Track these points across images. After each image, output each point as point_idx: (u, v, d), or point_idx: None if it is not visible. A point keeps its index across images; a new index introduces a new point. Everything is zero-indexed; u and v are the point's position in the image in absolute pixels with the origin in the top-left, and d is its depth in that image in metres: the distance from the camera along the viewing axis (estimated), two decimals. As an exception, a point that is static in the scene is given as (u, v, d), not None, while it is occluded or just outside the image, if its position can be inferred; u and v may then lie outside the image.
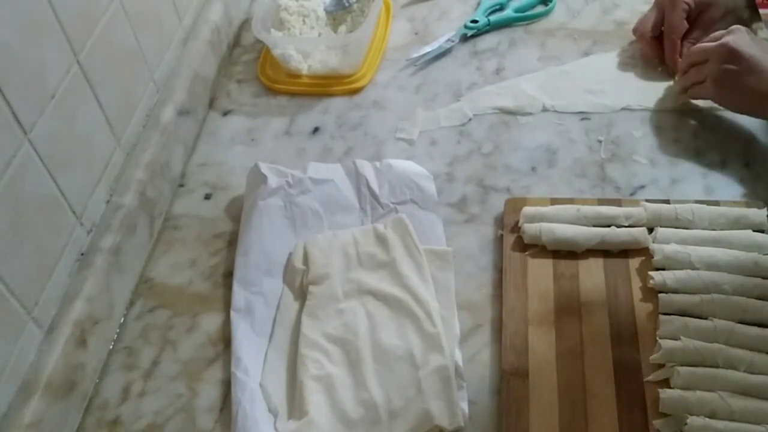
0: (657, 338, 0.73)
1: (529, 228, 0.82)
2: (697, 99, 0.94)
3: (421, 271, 0.80)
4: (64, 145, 0.75)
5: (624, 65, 1.03)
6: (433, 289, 0.78)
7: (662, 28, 0.99)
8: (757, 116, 0.90)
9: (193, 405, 0.75)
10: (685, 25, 0.97)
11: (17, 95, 0.67)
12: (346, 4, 1.09)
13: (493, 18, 1.12)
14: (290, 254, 0.83)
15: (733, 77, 0.86)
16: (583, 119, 0.97)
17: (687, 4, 0.97)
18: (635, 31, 1.03)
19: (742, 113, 0.91)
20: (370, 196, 0.88)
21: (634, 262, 0.80)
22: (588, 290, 0.78)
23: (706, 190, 0.88)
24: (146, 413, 0.74)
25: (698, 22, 0.99)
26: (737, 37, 0.86)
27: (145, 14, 0.91)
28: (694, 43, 0.96)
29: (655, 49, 1.01)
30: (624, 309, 0.76)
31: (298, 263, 0.82)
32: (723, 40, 0.87)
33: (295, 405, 0.71)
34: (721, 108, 0.93)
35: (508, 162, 0.93)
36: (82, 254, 0.79)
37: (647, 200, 0.84)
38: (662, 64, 1.01)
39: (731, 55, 0.85)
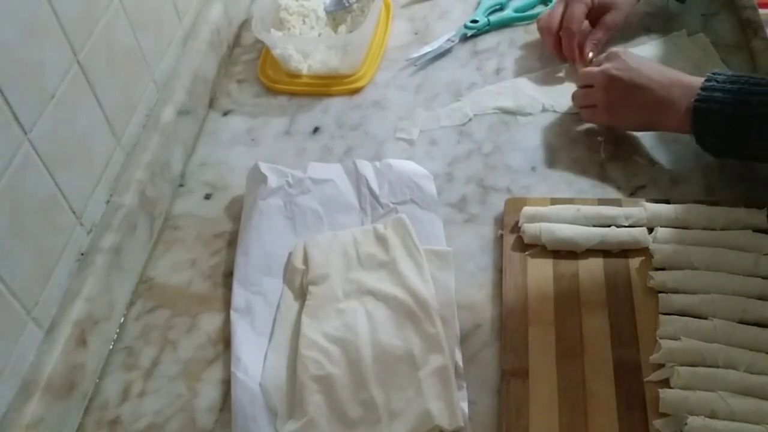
0: (657, 338, 0.73)
1: (529, 228, 0.82)
2: (593, 122, 0.95)
3: (421, 271, 0.80)
4: (64, 145, 0.75)
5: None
6: (433, 289, 0.78)
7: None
8: (654, 130, 0.91)
9: (193, 405, 0.75)
10: (583, 18, 0.99)
11: (17, 95, 0.67)
12: (346, 4, 1.10)
13: (493, 18, 1.12)
14: (290, 254, 0.83)
15: (620, 102, 0.88)
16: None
17: (591, 0, 0.99)
18: (539, 22, 1.04)
19: (639, 131, 0.92)
20: (370, 196, 0.88)
21: (634, 262, 0.80)
22: (588, 290, 0.78)
23: (706, 190, 0.88)
24: (146, 413, 0.74)
25: (601, 23, 1.01)
26: (615, 63, 0.88)
27: (145, 14, 0.91)
28: (596, 44, 0.99)
29: (557, 44, 1.01)
30: (624, 309, 0.76)
31: (298, 263, 0.82)
32: (602, 67, 0.90)
33: (295, 405, 0.71)
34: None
35: (508, 162, 0.93)
36: (82, 254, 0.79)
37: (647, 200, 0.84)
38: (562, 59, 1.02)
39: (612, 81, 0.88)
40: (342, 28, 1.09)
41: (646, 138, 0.93)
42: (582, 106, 0.94)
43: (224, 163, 0.97)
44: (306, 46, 1.06)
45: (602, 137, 0.94)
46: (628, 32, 1.06)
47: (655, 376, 0.71)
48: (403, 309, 0.77)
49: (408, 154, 0.96)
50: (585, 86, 0.93)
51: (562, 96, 0.99)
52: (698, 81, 0.82)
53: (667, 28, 1.07)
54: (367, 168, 0.90)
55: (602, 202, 0.85)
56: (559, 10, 1.01)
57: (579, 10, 0.99)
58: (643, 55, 1.02)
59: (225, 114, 1.04)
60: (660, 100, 0.84)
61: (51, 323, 0.73)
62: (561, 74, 1.03)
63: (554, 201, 0.86)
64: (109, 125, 0.84)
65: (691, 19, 1.08)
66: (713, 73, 0.82)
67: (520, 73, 1.05)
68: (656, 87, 0.85)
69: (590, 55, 0.99)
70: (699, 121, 0.81)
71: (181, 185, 0.95)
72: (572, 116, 0.97)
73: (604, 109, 0.90)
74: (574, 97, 0.96)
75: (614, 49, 0.92)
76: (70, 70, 0.76)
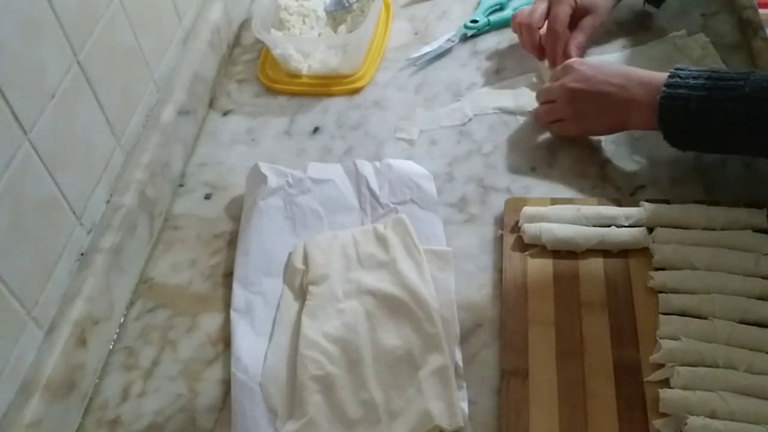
0: (657, 338, 0.73)
1: (529, 228, 0.82)
2: (564, 136, 0.94)
3: (421, 271, 0.80)
4: (64, 145, 0.75)
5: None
6: (433, 289, 0.78)
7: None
8: (624, 130, 0.91)
9: (193, 405, 0.75)
10: (568, 20, 0.99)
11: (17, 95, 0.67)
12: (346, 4, 1.10)
13: (493, 18, 1.12)
14: (290, 254, 0.83)
15: (586, 112, 0.89)
16: (583, 119, 0.97)
17: (575, 1, 0.99)
18: (516, 17, 1.03)
19: (611, 133, 0.92)
20: (370, 196, 0.88)
21: (634, 262, 0.80)
22: (588, 290, 0.78)
23: (706, 190, 0.88)
24: (146, 413, 0.74)
25: (581, 26, 1.01)
26: (572, 75, 0.89)
27: (145, 14, 0.91)
28: (579, 47, 0.99)
29: (537, 42, 1.01)
30: (624, 309, 0.76)
31: (298, 263, 0.82)
32: (561, 82, 0.90)
33: (295, 405, 0.71)
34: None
35: (508, 162, 0.93)
36: (82, 254, 0.79)
37: (647, 200, 0.84)
38: (539, 58, 1.02)
39: (574, 94, 0.89)
40: (342, 28, 1.09)
41: (646, 138, 0.93)
42: (549, 122, 0.94)
43: (224, 163, 0.97)
44: (306, 46, 1.06)
45: (602, 137, 0.94)
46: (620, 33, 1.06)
47: (655, 376, 0.71)
48: (403, 309, 0.77)
49: (408, 154, 0.96)
50: (546, 102, 0.93)
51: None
52: (661, 77, 0.82)
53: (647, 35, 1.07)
54: (367, 168, 0.90)
55: (602, 202, 0.85)
56: (542, 8, 1.00)
57: (564, 11, 0.98)
58: (643, 56, 1.03)
59: (225, 114, 1.04)
60: (624, 102, 0.85)
61: (51, 323, 0.73)
62: None
63: (554, 201, 0.86)
64: (109, 125, 0.84)
65: (691, 19, 1.08)
66: (676, 69, 0.82)
67: (520, 73, 1.04)
68: (618, 90, 0.85)
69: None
70: (665, 117, 0.82)
71: (181, 185, 0.95)
72: (572, 116, 0.97)
73: (573, 122, 0.91)
74: (536, 114, 0.96)
75: (569, 60, 0.92)
76: (70, 70, 0.76)
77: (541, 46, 1.01)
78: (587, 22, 1.00)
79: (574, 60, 0.92)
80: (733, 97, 0.77)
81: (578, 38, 1.00)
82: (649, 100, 0.82)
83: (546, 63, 1.01)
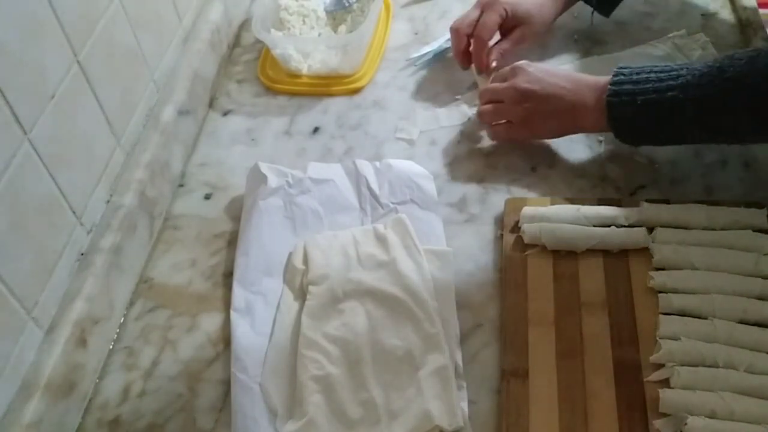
0: (657, 338, 0.73)
1: (529, 228, 0.82)
2: (505, 140, 0.94)
3: (421, 271, 0.80)
4: (64, 145, 0.75)
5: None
6: (433, 289, 0.78)
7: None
8: (573, 133, 0.91)
9: (193, 405, 0.75)
10: (496, 28, 0.99)
11: (17, 95, 0.67)
12: (346, 4, 1.10)
13: (493, 18, 1.11)
14: (290, 254, 0.83)
15: (536, 113, 0.89)
16: (583, 119, 0.97)
17: (505, 11, 0.98)
18: (453, 23, 1.02)
19: (559, 137, 0.92)
20: (370, 196, 0.88)
21: (634, 262, 0.79)
22: (588, 290, 0.78)
23: (706, 190, 0.88)
24: (146, 413, 0.74)
25: (511, 35, 1.01)
26: (522, 76, 0.89)
27: (145, 14, 0.91)
28: (501, 53, 0.99)
29: (465, 49, 1.00)
30: (624, 309, 0.76)
31: (298, 263, 0.82)
32: (511, 82, 0.90)
33: (295, 405, 0.71)
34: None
35: (508, 162, 0.93)
36: (82, 254, 0.79)
37: (647, 200, 0.84)
38: (465, 66, 1.01)
39: (524, 95, 0.89)
40: (342, 28, 1.09)
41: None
42: (494, 123, 0.93)
43: (224, 163, 0.97)
44: (306, 46, 1.06)
45: (602, 137, 0.94)
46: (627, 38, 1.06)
47: (655, 376, 0.71)
48: (403, 309, 0.77)
49: (408, 154, 0.96)
50: (490, 102, 0.93)
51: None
52: (606, 79, 0.84)
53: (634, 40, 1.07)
54: (367, 168, 0.90)
55: (602, 202, 0.85)
56: (473, 15, 1.00)
57: (492, 19, 0.98)
58: (643, 56, 1.03)
59: (225, 114, 1.04)
60: (573, 104, 0.86)
61: (51, 323, 0.73)
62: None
63: (554, 201, 0.86)
64: (109, 125, 0.84)
65: (691, 19, 1.08)
66: (620, 68, 0.84)
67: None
68: (567, 93, 0.86)
69: (494, 63, 0.99)
70: (614, 116, 0.83)
71: (181, 185, 0.95)
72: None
73: (521, 124, 0.91)
74: (480, 113, 0.94)
75: (518, 63, 0.92)
76: (70, 70, 0.76)
77: (468, 52, 1.00)
78: (517, 32, 1.01)
79: (523, 62, 0.92)
80: (675, 87, 0.79)
81: (503, 45, 1.00)
82: (597, 101, 0.84)
83: (473, 68, 1.00)
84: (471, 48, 1.00)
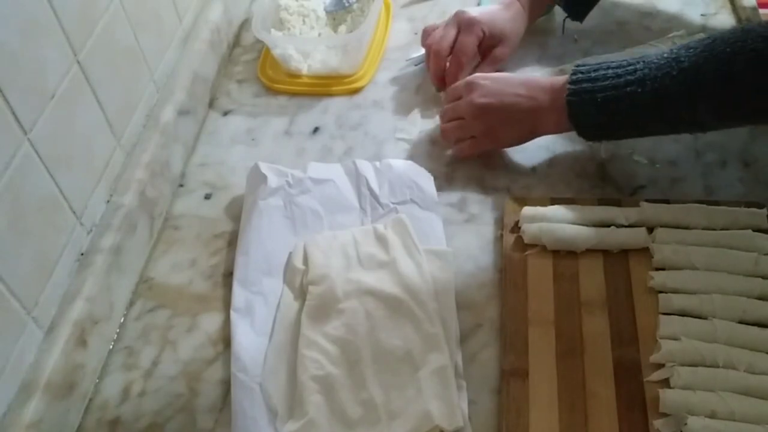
0: (657, 338, 0.73)
1: (529, 228, 0.82)
2: (470, 156, 0.93)
3: (421, 271, 0.80)
4: (64, 145, 0.75)
5: (523, 75, 1.02)
6: (433, 290, 0.78)
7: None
8: (536, 137, 0.91)
9: (193, 405, 0.75)
10: (475, 50, 0.98)
11: (17, 95, 0.67)
12: (346, 4, 1.10)
13: (493, 18, 1.11)
14: (290, 254, 0.83)
15: (497, 125, 0.89)
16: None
17: (483, 32, 0.98)
18: (428, 40, 1.01)
19: (525, 142, 0.91)
20: (370, 196, 0.88)
21: (634, 262, 0.80)
22: (588, 290, 0.78)
23: (706, 190, 0.88)
24: (146, 413, 0.74)
25: (491, 57, 1.00)
26: (478, 91, 0.89)
27: (145, 14, 0.91)
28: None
29: (442, 70, 0.99)
30: (624, 309, 0.76)
31: (298, 263, 0.82)
32: (467, 99, 0.90)
33: (295, 405, 0.71)
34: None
35: (508, 162, 0.93)
36: (82, 254, 0.79)
37: (647, 200, 0.84)
38: (440, 87, 1.00)
39: (482, 109, 0.89)
40: (342, 28, 1.09)
41: (646, 138, 0.93)
42: (459, 139, 0.93)
43: (224, 163, 0.97)
44: (306, 46, 1.06)
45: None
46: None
47: (655, 376, 0.71)
48: (403, 309, 0.77)
49: (408, 154, 0.96)
50: (452, 120, 0.92)
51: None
52: (562, 79, 0.84)
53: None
54: (367, 168, 0.90)
55: (602, 202, 0.85)
56: (451, 35, 0.99)
57: (470, 41, 0.97)
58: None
59: (225, 114, 1.04)
60: (533, 110, 0.86)
61: (51, 323, 0.73)
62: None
63: (554, 201, 0.86)
64: (109, 125, 0.84)
65: (691, 19, 1.08)
66: (577, 66, 0.84)
67: (520, 73, 1.04)
68: (525, 100, 0.87)
69: None
70: (575, 113, 0.83)
71: (181, 185, 0.95)
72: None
73: (485, 137, 0.91)
74: (443, 131, 0.94)
75: (471, 77, 0.91)
76: (70, 70, 0.76)
77: (443, 74, 0.99)
78: (498, 53, 1.00)
79: (476, 75, 0.91)
80: (633, 82, 0.79)
81: (485, 70, 0.98)
82: (555, 102, 0.84)
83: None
84: (447, 69, 0.99)
